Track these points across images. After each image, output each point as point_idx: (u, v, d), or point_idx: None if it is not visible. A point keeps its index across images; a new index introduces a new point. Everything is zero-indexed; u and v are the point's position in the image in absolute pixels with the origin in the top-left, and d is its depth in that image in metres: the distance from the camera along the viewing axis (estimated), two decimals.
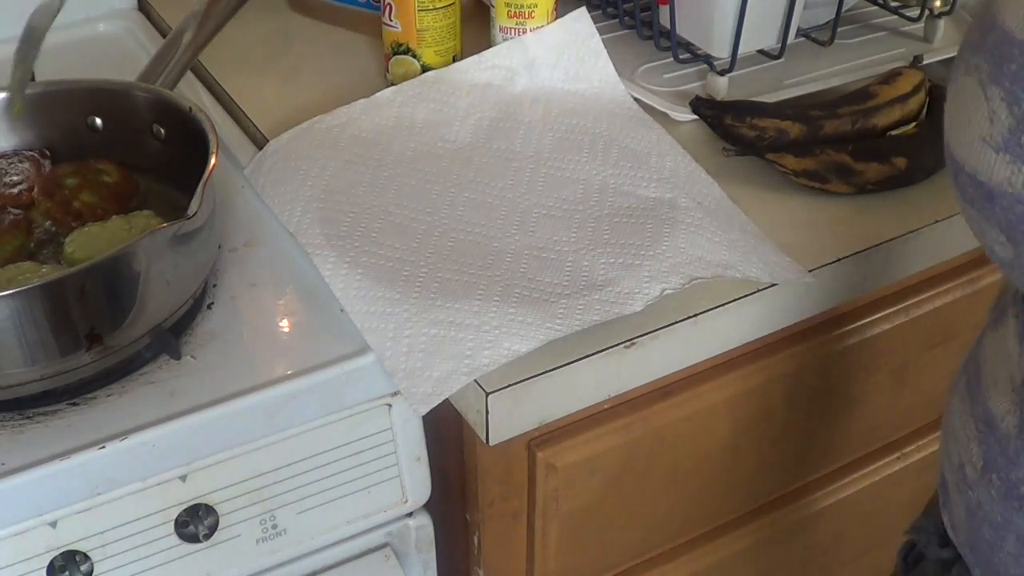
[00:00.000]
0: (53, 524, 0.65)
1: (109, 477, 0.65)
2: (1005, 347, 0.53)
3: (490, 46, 0.93)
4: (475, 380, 0.68)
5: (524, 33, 0.92)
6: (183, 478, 0.68)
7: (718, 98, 0.92)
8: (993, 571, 0.55)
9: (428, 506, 0.79)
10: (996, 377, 0.53)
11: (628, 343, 0.71)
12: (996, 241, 0.47)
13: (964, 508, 0.57)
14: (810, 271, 0.76)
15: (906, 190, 0.84)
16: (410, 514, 0.78)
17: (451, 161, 0.84)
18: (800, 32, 0.99)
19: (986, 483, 0.54)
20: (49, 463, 0.63)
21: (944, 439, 0.61)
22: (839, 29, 0.98)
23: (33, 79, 0.94)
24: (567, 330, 0.69)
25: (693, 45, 0.96)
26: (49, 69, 0.95)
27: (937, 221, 0.82)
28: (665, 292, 0.71)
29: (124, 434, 0.65)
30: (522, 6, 0.90)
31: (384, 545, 0.78)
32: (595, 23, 0.94)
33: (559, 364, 0.69)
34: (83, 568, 0.66)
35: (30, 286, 0.61)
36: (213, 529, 0.69)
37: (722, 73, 0.93)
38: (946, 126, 0.48)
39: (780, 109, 0.87)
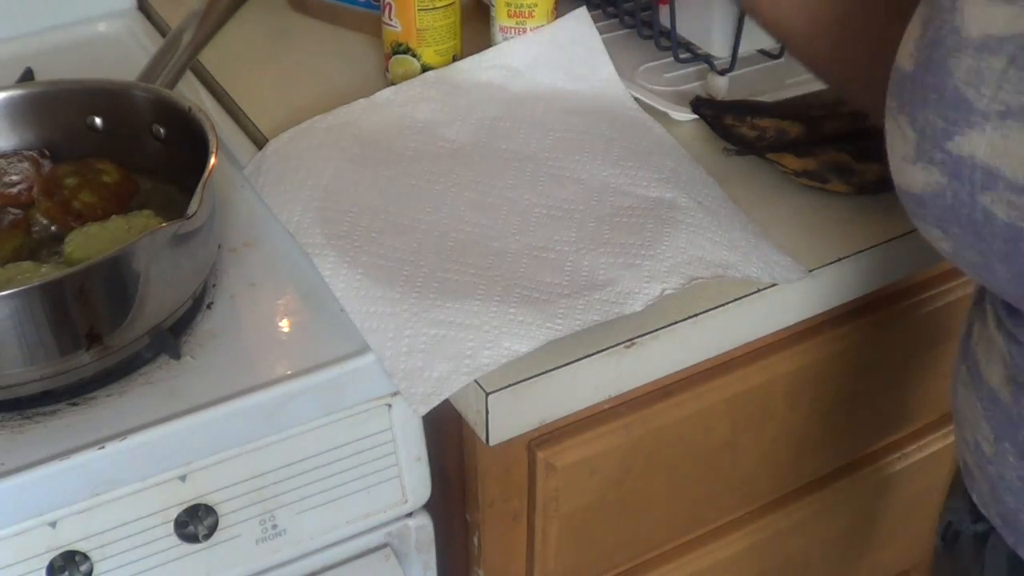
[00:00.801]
0: (53, 524, 0.65)
1: (109, 477, 0.65)
2: (993, 337, 0.60)
3: (490, 46, 0.93)
4: (475, 380, 0.68)
5: (524, 33, 0.92)
6: (183, 478, 0.68)
7: (718, 98, 0.92)
8: (1022, 533, 0.61)
9: (428, 506, 0.79)
10: (990, 360, 0.60)
11: (628, 343, 0.71)
12: (938, 241, 0.55)
13: (988, 483, 0.62)
14: (810, 271, 0.76)
15: None
16: (410, 514, 0.78)
17: (451, 161, 0.84)
18: None
19: (1002, 453, 0.60)
20: (49, 463, 0.63)
21: (957, 426, 0.66)
22: None
23: (33, 79, 0.95)
24: (567, 330, 0.69)
25: (693, 45, 0.96)
26: (49, 69, 0.95)
27: None
28: (665, 292, 0.71)
29: (124, 434, 0.65)
30: (522, 6, 0.90)
31: (384, 545, 0.78)
32: (595, 23, 0.94)
33: (559, 364, 0.69)
34: (83, 568, 0.66)
35: (29, 286, 0.61)
36: (213, 529, 0.69)
37: (722, 73, 0.93)
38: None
39: (780, 109, 0.87)
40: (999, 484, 0.62)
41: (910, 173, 0.53)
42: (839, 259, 0.78)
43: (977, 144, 0.49)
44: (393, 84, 0.91)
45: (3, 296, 0.60)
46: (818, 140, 0.85)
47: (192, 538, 0.69)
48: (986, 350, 0.61)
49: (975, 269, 0.55)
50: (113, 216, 0.75)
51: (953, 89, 0.50)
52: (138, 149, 0.80)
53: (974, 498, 0.65)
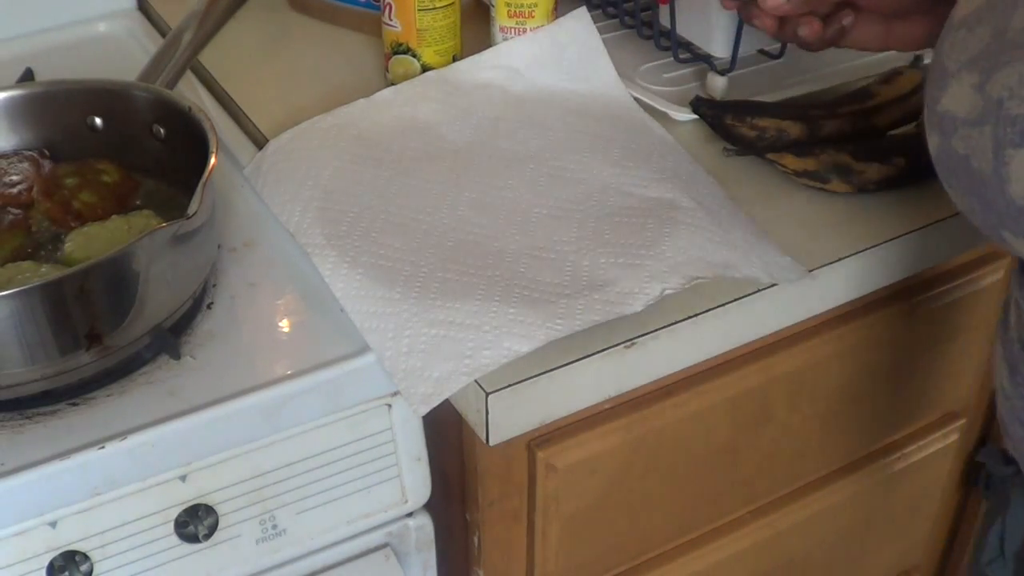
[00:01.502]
0: (53, 524, 0.65)
1: (109, 477, 0.65)
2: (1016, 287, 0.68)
3: (490, 46, 0.93)
4: (475, 380, 0.68)
5: (524, 33, 0.92)
6: (183, 478, 0.68)
7: (718, 98, 0.92)
8: None
9: (428, 506, 0.79)
10: (1018, 309, 0.67)
11: (628, 343, 0.71)
12: (953, 199, 0.62)
13: (1008, 422, 0.69)
14: (810, 271, 0.76)
15: (906, 190, 0.84)
16: (410, 514, 0.78)
17: (451, 161, 0.84)
18: None
19: (1014, 386, 0.66)
20: (49, 463, 0.63)
21: (994, 374, 0.72)
22: None
23: (33, 79, 0.95)
24: (567, 330, 0.69)
25: (693, 45, 0.96)
26: (49, 69, 0.95)
27: (937, 221, 0.81)
28: (665, 292, 0.71)
29: (124, 434, 0.65)
30: (522, 6, 0.90)
31: (384, 545, 0.78)
32: (595, 23, 0.94)
33: (559, 364, 0.69)
34: (83, 568, 0.66)
35: (29, 286, 0.61)
36: (213, 529, 0.69)
37: (722, 73, 0.93)
38: None
39: (780, 109, 0.87)
40: (1013, 419, 0.67)
41: (929, 142, 0.61)
42: (839, 259, 0.78)
43: (948, 99, 0.58)
44: (393, 84, 0.91)
45: (3, 296, 0.60)
46: (818, 140, 0.85)
47: (192, 538, 0.69)
48: (1016, 301, 0.67)
49: (970, 215, 0.60)
50: (113, 216, 0.75)
51: (941, 64, 0.59)
52: (138, 149, 0.80)
53: (1007, 445, 0.71)
